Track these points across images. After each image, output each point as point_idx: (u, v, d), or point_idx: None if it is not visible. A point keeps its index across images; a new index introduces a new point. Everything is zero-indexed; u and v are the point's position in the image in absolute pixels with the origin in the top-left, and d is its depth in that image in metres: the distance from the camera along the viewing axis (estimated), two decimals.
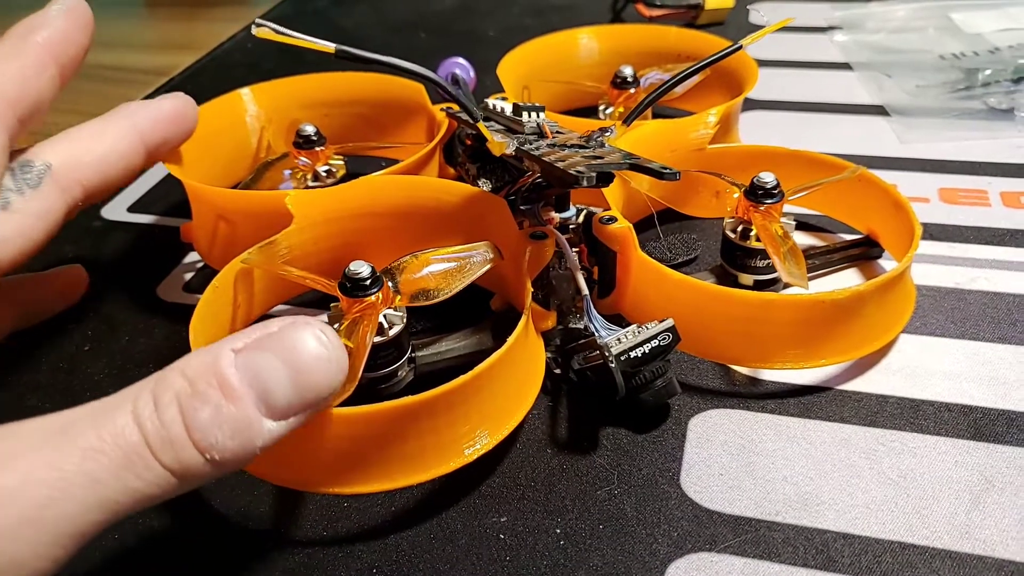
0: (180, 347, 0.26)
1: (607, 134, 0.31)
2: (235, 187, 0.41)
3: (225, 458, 0.20)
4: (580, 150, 0.29)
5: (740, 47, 0.32)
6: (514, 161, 0.31)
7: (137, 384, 0.20)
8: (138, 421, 0.19)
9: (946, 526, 0.26)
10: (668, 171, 0.26)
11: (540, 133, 0.31)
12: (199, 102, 0.42)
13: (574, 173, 0.25)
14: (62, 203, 0.28)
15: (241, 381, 0.20)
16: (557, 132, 0.32)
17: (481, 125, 0.31)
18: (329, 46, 0.27)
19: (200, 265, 0.40)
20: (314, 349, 0.21)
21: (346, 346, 0.27)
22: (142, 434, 0.19)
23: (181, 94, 0.34)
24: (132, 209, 0.45)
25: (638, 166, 0.26)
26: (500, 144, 0.30)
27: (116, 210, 0.45)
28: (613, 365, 0.27)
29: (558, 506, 0.27)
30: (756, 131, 0.48)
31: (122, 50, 0.72)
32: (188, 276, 0.39)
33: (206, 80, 0.61)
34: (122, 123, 0.31)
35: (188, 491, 0.20)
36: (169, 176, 0.36)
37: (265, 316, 0.34)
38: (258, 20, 0.27)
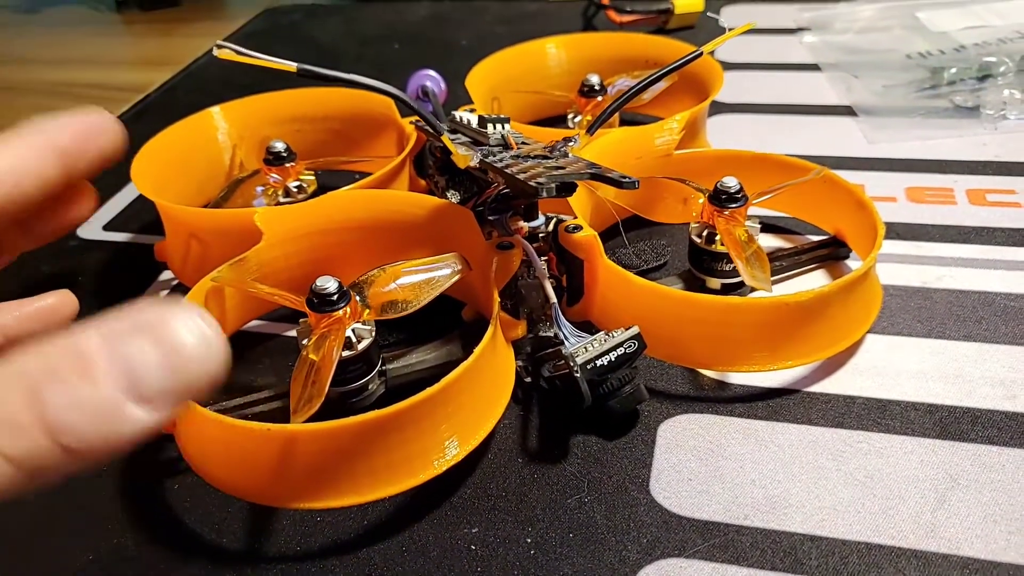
0: None
1: (570, 144, 0.31)
2: (207, 205, 0.42)
3: (82, 446, 0.17)
4: (543, 161, 0.29)
5: (701, 54, 0.32)
6: (479, 173, 0.31)
7: None
8: None
9: (912, 525, 0.26)
10: (627, 180, 0.26)
11: (505, 144, 0.32)
12: (175, 118, 0.42)
13: (534, 184, 0.26)
14: None
15: (105, 359, 0.18)
16: (522, 143, 0.32)
17: (446, 138, 0.31)
18: (291, 65, 0.28)
19: (175, 283, 0.40)
20: (191, 331, 0.19)
21: (312, 361, 0.27)
22: None
23: (98, 108, 0.33)
24: (107, 228, 0.45)
25: (598, 175, 0.27)
26: (464, 157, 0.30)
27: (91, 229, 0.45)
28: (578, 375, 0.27)
29: (529, 515, 0.27)
30: (726, 134, 0.48)
31: (99, 67, 0.72)
32: (163, 294, 0.39)
33: (182, 95, 0.62)
34: (30, 135, 0.29)
35: (34, 489, 0.18)
36: (143, 195, 0.36)
37: (238, 332, 0.34)
38: (219, 42, 0.27)
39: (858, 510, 0.26)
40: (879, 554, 0.25)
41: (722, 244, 0.33)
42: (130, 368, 0.18)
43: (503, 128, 0.32)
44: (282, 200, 0.40)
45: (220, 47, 0.27)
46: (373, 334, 0.30)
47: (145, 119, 0.57)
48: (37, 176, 0.29)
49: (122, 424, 0.18)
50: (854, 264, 0.37)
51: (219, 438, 0.26)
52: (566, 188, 0.27)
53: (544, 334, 0.32)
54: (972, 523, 0.26)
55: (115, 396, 0.18)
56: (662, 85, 0.40)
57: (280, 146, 0.40)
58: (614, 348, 0.28)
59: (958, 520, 0.26)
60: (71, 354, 0.18)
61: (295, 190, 0.41)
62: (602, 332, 0.29)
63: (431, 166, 0.38)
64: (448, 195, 0.35)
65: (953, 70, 0.49)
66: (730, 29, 0.34)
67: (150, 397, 0.18)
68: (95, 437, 0.18)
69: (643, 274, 0.34)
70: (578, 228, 0.31)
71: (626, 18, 0.62)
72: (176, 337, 0.19)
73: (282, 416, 0.29)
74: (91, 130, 0.32)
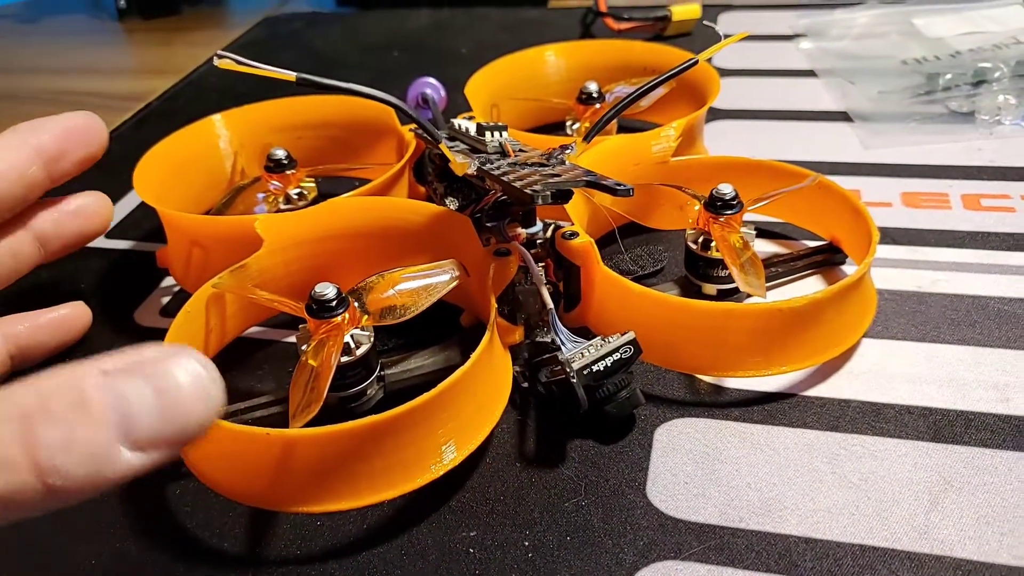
0: None
1: (567, 151, 0.31)
2: (208, 212, 0.42)
3: (65, 487, 0.17)
4: (540, 168, 0.29)
5: (696, 61, 0.33)
6: (476, 180, 0.31)
7: None
8: None
9: (905, 528, 0.26)
10: (622, 187, 0.26)
11: (502, 152, 0.32)
12: (176, 126, 0.43)
13: (530, 192, 0.26)
14: None
15: (103, 403, 0.18)
16: (519, 150, 0.32)
17: (443, 146, 0.31)
18: (290, 75, 0.28)
19: (177, 289, 0.40)
20: (189, 379, 0.19)
21: (311, 366, 0.28)
22: None
23: (85, 111, 0.33)
24: (109, 235, 0.45)
25: (594, 183, 0.27)
26: (462, 164, 0.30)
27: None
28: (574, 380, 0.27)
29: (527, 519, 0.27)
30: (723, 141, 0.49)
31: (100, 76, 0.73)
32: (165, 300, 0.40)
33: (182, 104, 0.62)
34: (11, 139, 0.31)
35: (4, 523, 0.18)
36: (145, 203, 0.37)
37: (239, 338, 0.35)
38: (219, 52, 0.28)
39: (852, 513, 0.27)
40: (873, 556, 0.25)
41: (718, 250, 0.33)
42: (126, 410, 0.18)
43: (501, 136, 0.33)
44: (283, 207, 0.41)
45: (220, 57, 0.27)
46: (372, 340, 0.30)
47: (146, 127, 0.58)
48: (17, 175, 0.30)
49: (112, 467, 0.18)
50: (850, 270, 0.37)
51: (220, 443, 0.27)
52: (562, 195, 0.27)
53: (541, 339, 0.32)
54: (965, 525, 0.26)
55: (108, 439, 0.18)
56: (660, 92, 0.40)
57: (281, 153, 0.41)
58: (610, 353, 0.28)
59: (951, 522, 0.26)
60: (69, 392, 0.18)
61: (296, 197, 0.41)
62: (598, 337, 0.29)
63: (430, 173, 0.38)
64: (447, 202, 0.35)
65: (948, 76, 0.50)
66: (726, 36, 0.34)
67: (143, 442, 0.18)
68: (82, 479, 0.18)
69: (639, 280, 0.35)
70: (575, 235, 0.31)
71: (624, 25, 0.62)
72: (174, 383, 0.19)
73: (282, 421, 0.29)
74: (74, 132, 0.33)
